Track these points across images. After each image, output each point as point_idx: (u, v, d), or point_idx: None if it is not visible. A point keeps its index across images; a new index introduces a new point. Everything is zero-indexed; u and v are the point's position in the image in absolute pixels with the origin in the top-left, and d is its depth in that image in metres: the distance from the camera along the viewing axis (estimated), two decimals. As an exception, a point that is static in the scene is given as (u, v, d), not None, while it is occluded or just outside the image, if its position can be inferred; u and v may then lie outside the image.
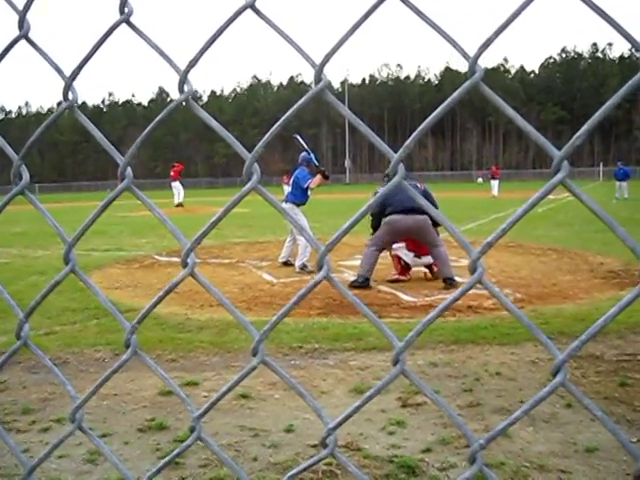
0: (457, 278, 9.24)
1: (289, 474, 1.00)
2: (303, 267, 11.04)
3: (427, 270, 10.25)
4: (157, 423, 4.52)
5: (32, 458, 3.75)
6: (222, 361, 5.92)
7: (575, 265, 11.16)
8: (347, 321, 7.26)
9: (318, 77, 0.85)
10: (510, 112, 0.80)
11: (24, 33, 1.05)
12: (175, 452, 1.10)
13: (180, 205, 31.76)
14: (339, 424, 0.93)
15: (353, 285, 9.20)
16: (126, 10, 0.96)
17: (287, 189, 12.50)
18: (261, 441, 4.22)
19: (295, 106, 0.90)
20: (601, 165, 73.54)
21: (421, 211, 9.07)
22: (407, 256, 9.99)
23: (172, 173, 33.16)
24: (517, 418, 0.83)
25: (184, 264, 0.97)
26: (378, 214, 9.50)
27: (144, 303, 8.32)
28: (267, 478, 3.70)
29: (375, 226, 9.83)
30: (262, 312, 7.75)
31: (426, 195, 9.21)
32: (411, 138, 0.83)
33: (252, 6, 0.88)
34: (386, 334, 0.90)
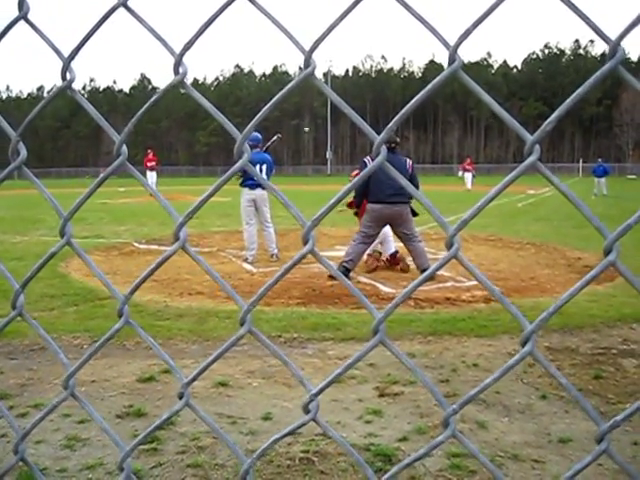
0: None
1: (273, 438, 1.03)
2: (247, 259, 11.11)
3: (381, 260, 10.39)
4: (135, 410, 4.53)
5: (9, 443, 3.74)
6: (201, 349, 5.93)
7: (553, 260, 11.26)
8: (326, 311, 7.30)
9: (307, 62, 0.88)
10: (487, 98, 0.83)
11: (23, 14, 1.06)
12: (164, 417, 1.12)
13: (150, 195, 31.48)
14: (321, 390, 0.97)
15: (332, 276, 9.17)
16: None
17: (467, 176, 12.19)
18: (239, 428, 4.24)
19: (285, 89, 0.92)
20: (581, 161, 74.05)
21: (403, 200, 9.13)
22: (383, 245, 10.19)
23: (145, 162, 33.36)
24: (487, 385, 0.87)
25: (177, 237, 1.00)
26: (363, 190, 9.45)
27: (123, 290, 8.26)
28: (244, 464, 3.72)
29: (358, 202, 9.83)
30: (242, 301, 7.75)
31: (412, 177, 9.34)
32: (393, 121, 0.86)
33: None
34: (367, 307, 0.93)
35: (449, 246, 0.85)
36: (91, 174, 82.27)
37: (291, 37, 0.89)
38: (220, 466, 3.74)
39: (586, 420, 4.42)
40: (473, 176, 40.94)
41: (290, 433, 1.03)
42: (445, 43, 0.82)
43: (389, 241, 10.46)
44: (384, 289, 8.69)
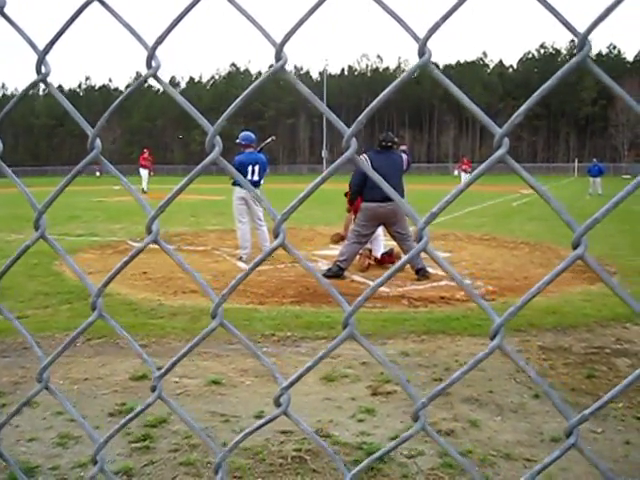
0: (429, 269, 9.29)
1: (245, 432, 1.03)
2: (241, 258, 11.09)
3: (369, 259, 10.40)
4: (128, 408, 4.52)
5: (2, 440, 3.72)
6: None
7: (547, 259, 11.28)
8: (320, 310, 7.30)
9: (278, 56, 0.88)
10: (456, 92, 0.83)
11: None
12: (138, 410, 1.13)
13: (143, 192, 31.84)
14: (291, 384, 0.98)
15: (326, 275, 9.18)
16: None
17: (464, 176, 12.30)
18: (231, 427, 4.24)
19: (257, 82, 0.93)
20: (576, 161, 74.16)
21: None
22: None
23: (140, 160, 34.63)
24: (457, 379, 0.88)
25: (149, 231, 1.00)
26: (359, 186, 9.46)
27: (117, 289, 8.29)
28: (237, 463, 3.72)
29: (354, 198, 9.81)
30: (235, 299, 7.74)
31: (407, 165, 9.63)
32: (363, 114, 0.86)
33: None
34: (336, 299, 0.93)
35: (419, 239, 0.86)
36: (86, 172, 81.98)
37: (263, 31, 0.89)
38: (212, 464, 3.74)
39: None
40: (469, 175, 41.10)
41: (261, 426, 1.04)
42: (415, 36, 0.82)
43: (379, 241, 10.47)
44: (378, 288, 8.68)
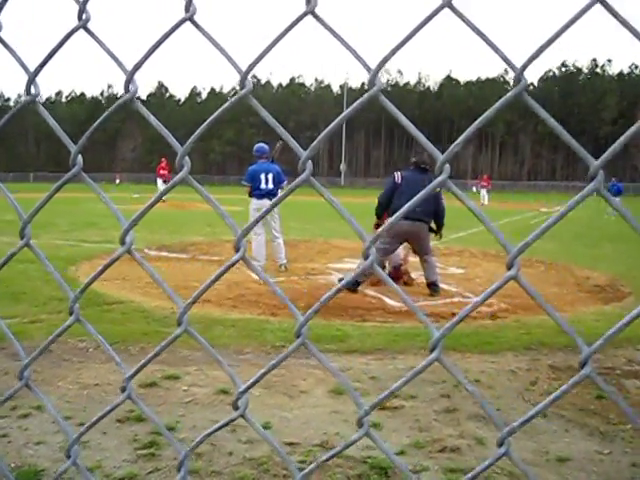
0: (442, 285, 9.29)
1: (204, 434, 1.08)
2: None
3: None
4: (136, 414, 4.55)
5: (11, 443, 3.78)
6: (204, 356, 5.95)
7: (562, 278, 11.24)
8: (331, 323, 7.31)
9: (242, 83, 0.92)
10: (404, 120, 0.88)
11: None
12: (108, 409, 1.17)
13: (162, 201, 32.14)
14: (248, 388, 1.04)
15: (344, 287, 9.12)
16: (84, 17, 1.03)
17: (483, 193, 12.23)
18: (237, 437, 4.26)
19: (219, 110, 0.98)
20: (595, 180, 73.60)
21: (424, 218, 9.15)
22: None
23: (157, 170, 35.56)
24: (398, 388, 0.93)
25: (122, 242, 1.05)
26: (386, 203, 9.48)
27: (130, 296, 8.36)
28: (241, 473, 3.74)
29: (379, 214, 9.77)
30: (247, 310, 7.78)
31: (437, 199, 9.36)
32: (317, 140, 0.91)
33: (191, 19, 0.95)
34: (291, 310, 0.97)
35: (365, 257, 0.92)
36: (106, 179, 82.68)
37: (229, 59, 0.94)
38: (217, 473, 3.76)
39: (585, 440, 4.42)
40: (488, 192, 41.13)
41: (219, 429, 1.09)
42: (366, 67, 0.86)
43: (395, 254, 10.45)
44: (390, 302, 8.69)
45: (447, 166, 0.86)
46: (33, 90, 1.11)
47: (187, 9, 0.96)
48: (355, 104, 0.90)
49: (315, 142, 0.90)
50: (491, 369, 5.81)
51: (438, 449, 4.16)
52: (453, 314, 7.90)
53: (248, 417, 1.03)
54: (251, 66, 0.92)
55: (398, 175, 9.31)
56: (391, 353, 6.18)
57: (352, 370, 5.66)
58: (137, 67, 1.00)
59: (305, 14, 0.88)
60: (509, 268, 0.82)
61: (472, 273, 11.40)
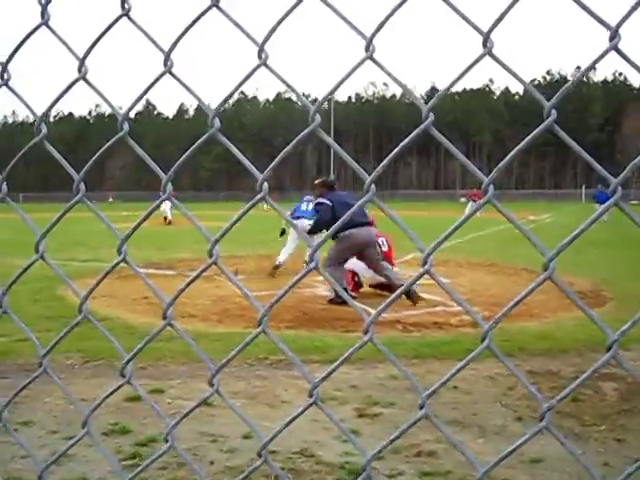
0: (425, 295, 9.37)
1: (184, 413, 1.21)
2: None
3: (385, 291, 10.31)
4: (121, 427, 4.66)
5: (12, 445, 3.87)
6: (189, 370, 6.06)
7: (545, 285, 11.21)
8: (314, 334, 7.43)
9: (212, 123, 1.06)
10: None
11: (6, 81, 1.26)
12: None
13: (168, 222, 31.98)
14: (222, 367, 1.17)
15: (333, 301, 9.26)
16: (83, 70, 1.18)
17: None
18: (219, 446, 4.37)
19: (190, 150, 1.11)
20: (583, 187, 74.38)
21: (369, 222, 9.76)
22: (368, 272, 10.18)
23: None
24: (330, 371, 1.06)
25: (119, 252, 1.19)
26: (332, 221, 9.59)
27: (118, 313, 8.46)
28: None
29: (313, 231, 10.44)
30: (232, 324, 7.89)
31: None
32: (271, 166, 1.03)
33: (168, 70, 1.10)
34: (250, 300, 1.10)
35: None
36: (97, 199, 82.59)
37: (199, 100, 1.07)
38: (197, 482, 3.87)
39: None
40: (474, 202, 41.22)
41: (197, 407, 1.24)
42: (304, 101, 0.99)
43: (369, 270, 10.40)
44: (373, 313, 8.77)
45: (373, 187, 0.98)
46: (43, 130, 1.27)
47: (165, 64, 1.11)
48: (300, 136, 1.03)
49: (270, 167, 1.04)
50: (470, 375, 5.92)
51: (414, 453, 4.27)
52: (434, 323, 8.03)
53: (221, 391, 1.17)
54: (219, 106, 1.06)
55: (327, 200, 10.03)
56: (372, 362, 6.28)
57: (334, 380, 5.76)
58: (130, 108, 1.16)
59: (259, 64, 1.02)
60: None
61: (456, 283, 11.51)
